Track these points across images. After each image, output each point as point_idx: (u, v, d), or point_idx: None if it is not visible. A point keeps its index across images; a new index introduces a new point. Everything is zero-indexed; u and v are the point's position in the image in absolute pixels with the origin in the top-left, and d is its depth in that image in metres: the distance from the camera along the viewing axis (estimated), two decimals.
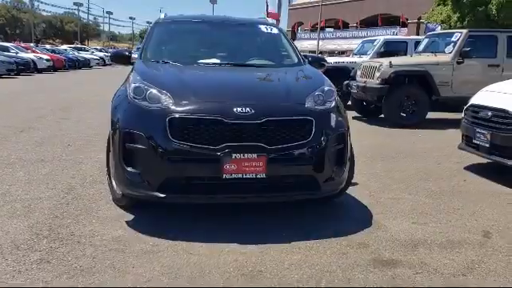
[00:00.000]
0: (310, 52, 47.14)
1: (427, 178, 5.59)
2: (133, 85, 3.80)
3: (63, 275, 2.94)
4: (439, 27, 14.72)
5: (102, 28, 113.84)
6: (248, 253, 3.33)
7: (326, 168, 3.72)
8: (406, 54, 13.02)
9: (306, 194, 3.76)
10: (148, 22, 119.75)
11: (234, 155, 3.45)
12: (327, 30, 58.21)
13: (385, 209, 4.37)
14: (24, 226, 3.70)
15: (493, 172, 5.83)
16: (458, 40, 10.06)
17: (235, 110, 3.51)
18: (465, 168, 6.19)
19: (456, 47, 9.99)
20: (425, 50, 11.03)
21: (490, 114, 5.53)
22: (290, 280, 2.96)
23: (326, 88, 3.97)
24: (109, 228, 3.71)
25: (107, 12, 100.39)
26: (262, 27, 5.28)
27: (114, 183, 4.13)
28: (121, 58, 4.80)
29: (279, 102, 3.73)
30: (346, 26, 55.37)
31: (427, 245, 3.58)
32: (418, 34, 30.61)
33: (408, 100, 9.96)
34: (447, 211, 4.39)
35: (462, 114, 6.24)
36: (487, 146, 5.54)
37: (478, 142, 5.69)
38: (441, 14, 18.88)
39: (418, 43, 13.32)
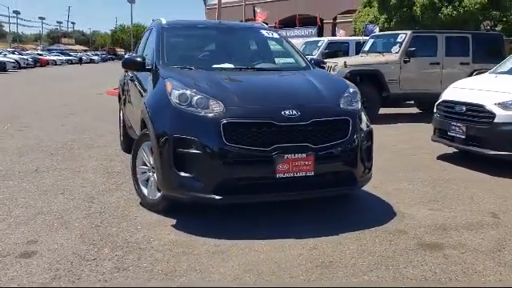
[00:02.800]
0: None
1: (413, 169, 6.09)
2: (176, 92, 3.88)
3: (152, 280, 3.01)
4: (377, 28, 15.63)
5: (5, 29, 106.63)
6: (307, 246, 3.55)
7: (360, 163, 4.05)
8: (347, 54, 13.75)
9: (346, 188, 4.06)
10: (59, 22, 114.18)
11: (286, 156, 3.66)
12: None
13: (397, 199, 4.76)
14: (73, 237, 3.66)
15: (462, 160, 6.48)
16: (403, 41, 10.86)
17: (283, 113, 3.73)
18: (437, 158, 6.80)
19: (402, 47, 10.78)
20: (370, 51, 11.76)
21: (464, 108, 6.15)
22: (363, 267, 3.23)
23: (352, 90, 4.28)
24: (160, 233, 3.77)
25: (14, 11, 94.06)
26: (264, 32, 5.50)
27: (149, 188, 4.21)
28: (134, 65, 4.80)
29: (320, 104, 3.99)
30: None
31: (454, 228, 4.01)
32: (333, 35, 31.95)
33: (361, 97, 10.56)
34: (450, 198, 4.87)
35: (434, 110, 6.84)
36: (463, 137, 6.15)
37: (454, 134, 6.29)
38: (368, 15, 20.02)
39: (358, 44, 14.16)
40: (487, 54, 11.52)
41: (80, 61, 56.97)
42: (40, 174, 5.48)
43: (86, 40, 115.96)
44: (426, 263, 3.32)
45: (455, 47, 11.21)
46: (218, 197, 3.66)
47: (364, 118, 4.19)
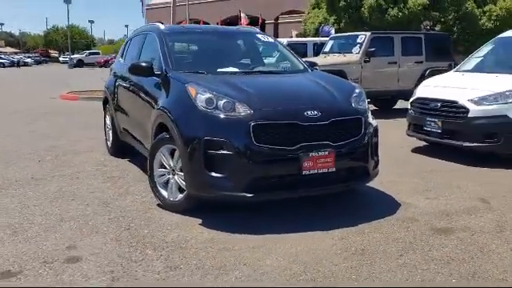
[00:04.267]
0: None
1: (396, 162, 6.50)
2: (202, 96, 4.04)
3: (207, 275, 3.17)
4: (333, 29, 16.22)
5: None
6: (336, 237, 3.82)
7: (372, 158, 4.38)
8: (306, 56, 14.20)
9: (360, 182, 4.39)
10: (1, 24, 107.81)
11: (310, 154, 3.92)
12: None
13: (395, 190, 5.12)
14: (108, 241, 3.73)
15: (435, 153, 6.99)
16: (363, 42, 11.43)
17: (306, 113, 3.98)
18: (412, 151, 7.30)
19: (362, 48, 11.35)
20: (331, 51, 12.26)
21: (439, 105, 6.67)
22: (393, 252, 3.54)
23: (358, 90, 4.60)
24: (192, 232, 3.91)
25: None
26: (260, 36, 5.72)
27: (169, 190, 4.34)
28: (142, 70, 4.87)
29: (335, 104, 4.27)
30: None
31: (455, 213, 4.42)
32: (276, 36, 32.60)
33: None
34: (440, 187, 5.30)
35: (409, 106, 7.34)
36: (439, 131, 6.67)
37: (430, 129, 6.80)
38: (318, 16, 20.66)
39: (315, 45, 14.67)
40: (437, 53, 12.35)
41: (18, 64, 54.49)
42: (39, 181, 5.42)
43: (16, 42, 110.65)
44: (445, 245, 3.68)
45: (410, 47, 11.93)
46: (249, 195, 3.86)
47: (370, 115, 4.52)
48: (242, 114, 3.92)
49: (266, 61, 5.60)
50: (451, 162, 6.48)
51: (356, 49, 11.44)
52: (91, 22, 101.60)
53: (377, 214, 4.34)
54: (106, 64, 53.66)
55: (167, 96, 4.50)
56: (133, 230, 3.96)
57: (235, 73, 4.96)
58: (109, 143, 6.89)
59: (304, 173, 3.92)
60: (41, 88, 20.53)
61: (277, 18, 48.07)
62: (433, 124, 6.74)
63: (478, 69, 7.45)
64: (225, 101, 3.97)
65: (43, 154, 6.83)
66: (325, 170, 4.00)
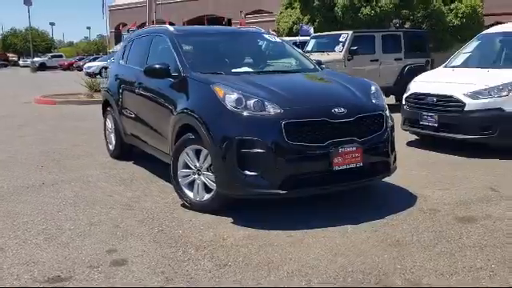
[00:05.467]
0: None
1: (398, 156, 6.69)
2: (231, 96, 4.08)
3: (259, 271, 3.22)
4: (312, 28, 16.41)
5: None
6: (368, 230, 3.94)
7: (391, 152, 4.52)
8: None
9: (383, 175, 4.51)
10: None
11: (340, 149, 4.03)
12: None
13: (406, 183, 5.27)
14: (147, 242, 3.74)
15: (428, 146, 7.23)
16: (345, 40, 11.66)
17: (333, 110, 4.09)
18: (407, 145, 7.52)
19: (345, 46, 11.58)
20: (314, 50, 12.44)
21: (435, 99, 6.91)
22: (427, 242, 3.69)
23: (374, 87, 4.74)
24: (227, 230, 3.96)
25: None
26: (267, 36, 5.79)
27: (195, 190, 4.38)
28: (159, 73, 4.84)
29: (358, 101, 4.38)
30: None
31: (471, 203, 4.61)
32: None
33: None
34: (449, 179, 5.50)
35: (403, 102, 7.57)
36: (436, 125, 6.91)
37: (426, 123, 7.03)
38: (291, 16, 20.87)
39: (294, 44, 14.79)
40: (416, 50, 12.73)
41: None
42: (51, 187, 5.33)
43: None
44: (473, 233, 3.86)
45: (390, 45, 12.24)
46: (283, 192, 3.93)
47: (388, 111, 4.66)
48: (272, 112, 3.99)
49: (275, 60, 5.66)
50: (448, 154, 6.73)
51: (339, 47, 11.66)
52: (52, 24, 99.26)
53: (398, 207, 4.49)
54: (70, 67, 52.55)
55: (189, 97, 4.52)
56: (167, 231, 3.97)
57: (250, 72, 5.02)
58: (110, 146, 6.82)
59: (335, 168, 4.03)
60: (9, 92, 19.94)
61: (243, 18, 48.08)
62: (429, 118, 6.97)
63: (467, 64, 7.75)
64: (254, 100, 4.03)
65: (42, 160, 6.70)
66: (353, 166, 4.11)
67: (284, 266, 3.30)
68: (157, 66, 4.83)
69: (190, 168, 4.45)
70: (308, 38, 14.09)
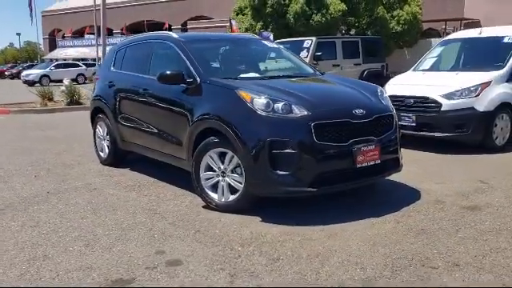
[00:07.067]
0: (76, 60, 45.42)
1: None
2: (259, 100, 4.27)
3: (312, 263, 3.43)
4: (271, 35, 16.72)
5: None
6: (392, 221, 4.25)
7: (400, 149, 4.88)
8: None
9: (394, 171, 4.85)
10: None
11: (362, 148, 4.33)
12: (91, 36, 56.52)
13: (403, 179, 5.62)
14: (189, 242, 3.84)
15: (408, 145, 7.70)
16: (309, 46, 12.12)
17: (354, 112, 4.38)
18: None
19: (310, 52, 12.04)
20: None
21: (412, 101, 7.41)
22: (449, 229, 4.05)
23: (379, 89, 5.08)
24: (262, 228, 4.12)
25: None
26: (266, 42, 6.02)
27: (219, 192, 4.54)
28: (174, 78, 4.90)
29: (371, 102, 4.70)
30: (110, 32, 54.68)
31: (470, 193, 5.05)
32: None
33: None
34: (438, 174, 5.95)
35: None
36: (414, 125, 7.41)
37: (405, 123, 7.51)
38: (243, 22, 21.17)
39: None
40: (372, 55, 13.42)
41: None
42: (58, 195, 5.26)
43: None
44: (484, 220, 4.26)
45: (349, 50, 12.86)
46: (314, 189, 4.17)
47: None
48: (300, 114, 4.21)
49: (278, 65, 5.89)
50: (429, 152, 7.23)
51: (304, 53, 12.09)
52: None
53: (407, 200, 4.84)
54: (1, 75, 50.10)
55: (210, 102, 4.64)
56: (203, 232, 4.08)
57: (263, 78, 5.21)
58: (102, 154, 6.77)
59: (358, 166, 4.31)
60: None
61: (184, 24, 47.99)
62: (407, 118, 7.46)
63: (435, 68, 8.36)
64: (282, 103, 4.24)
65: (33, 170, 6.54)
66: (372, 163, 4.42)
67: (333, 257, 3.52)
68: (172, 72, 4.91)
69: (213, 170, 4.58)
70: None
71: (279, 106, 4.24)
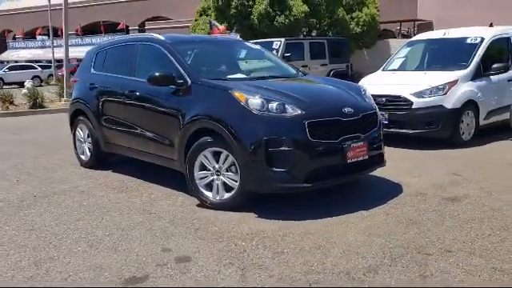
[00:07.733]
0: (29, 62, 44.03)
1: None
2: (253, 100, 4.41)
3: (316, 254, 3.60)
4: (238, 35, 16.81)
5: None
6: (380, 213, 4.48)
7: (383, 145, 5.14)
8: None
9: (379, 166, 5.09)
10: None
11: (351, 145, 4.54)
12: (43, 37, 54.93)
13: (383, 174, 5.86)
14: (192, 239, 3.94)
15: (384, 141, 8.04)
16: (279, 47, 12.35)
17: (344, 110, 4.60)
18: None
19: (279, 53, 12.25)
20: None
21: (384, 99, 7.73)
22: (436, 219, 4.32)
23: (363, 88, 5.32)
24: (259, 224, 4.27)
25: None
26: (248, 44, 6.15)
27: (214, 190, 4.67)
28: (163, 80, 4.98)
29: (357, 101, 4.92)
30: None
31: (446, 186, 5.36)
32: None
33: None
34: (414, 168, 6.26)
35: None
36: (386, 122, 7.71)
37: None
38: (207, 23, 21.18)
39: None
40: (337, 56, 13.79)
41: None
42: (46, 199, 5.22)
43: None
44: (466, 209, 4.55)
45: (316, 51, 13.16)
46: (308, 185, 4.35)
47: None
48: (294, 113, 4.38)
49: (260, 65, 6.04)
50: (401, 148, 7.56)
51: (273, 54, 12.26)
52: None
53: (391, 193, 5.10)
54: None
55: (202, 103, 4.74)
56: (204, 229, 4.19)
57: (252, 78, 5.36)
58: (83, 156, 6.73)
59: (348, 162, 4.52)
60: None
61: (142, 24, 47.36)
62: (381, 117, 7.75)
63: (404, 67, 8.74)
64: (277, 103, 4.40)
65: (14, 174, 6.43)
66: (361, 158, 4.64)
67: (334, 249, 3.71)
68: (162, 73, 4.98)
69: (207, 170, 4.69)
70: None
71: (273, 105, 4.39)
